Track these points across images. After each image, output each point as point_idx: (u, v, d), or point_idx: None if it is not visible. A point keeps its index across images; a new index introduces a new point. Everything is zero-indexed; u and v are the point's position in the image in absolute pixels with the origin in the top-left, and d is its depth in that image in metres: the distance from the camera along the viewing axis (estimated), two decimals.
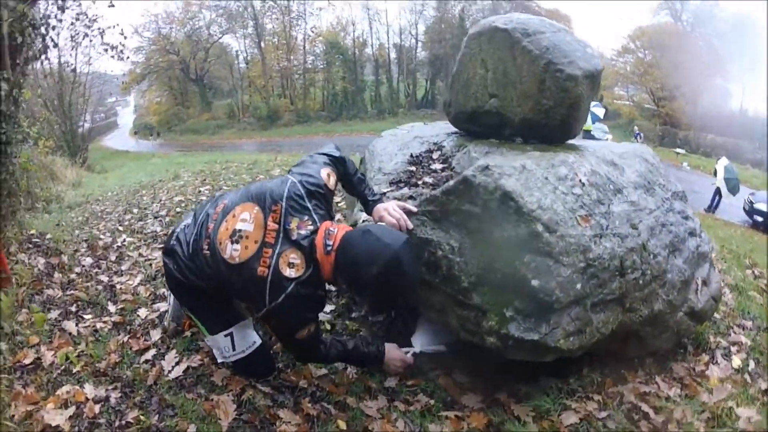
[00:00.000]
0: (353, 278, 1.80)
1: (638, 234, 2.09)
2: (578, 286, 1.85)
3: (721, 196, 13.67)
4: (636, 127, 24.37)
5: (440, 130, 3.08)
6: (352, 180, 2.21)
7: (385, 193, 2.42)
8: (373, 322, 2.66)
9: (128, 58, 14.38)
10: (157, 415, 2.04)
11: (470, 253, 1.96)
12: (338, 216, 4.06)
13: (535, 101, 2.43)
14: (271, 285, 1.78)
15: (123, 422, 2.02)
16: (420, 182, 2.47)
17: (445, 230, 2.07)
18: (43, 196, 6.88)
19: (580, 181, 2.03)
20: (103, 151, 26.98)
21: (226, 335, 2.07)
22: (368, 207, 2.16)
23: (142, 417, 2.02)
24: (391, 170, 2.69)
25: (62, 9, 5.21)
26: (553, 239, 1.84)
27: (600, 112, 12.08)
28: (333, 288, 2.51)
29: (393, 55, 32.08)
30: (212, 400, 2.06)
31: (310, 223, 1.87)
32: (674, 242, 2.28)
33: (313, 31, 33.38)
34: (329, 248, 1.79)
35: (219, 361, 2.20)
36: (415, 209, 2.09)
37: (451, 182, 2.08)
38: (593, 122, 10.88)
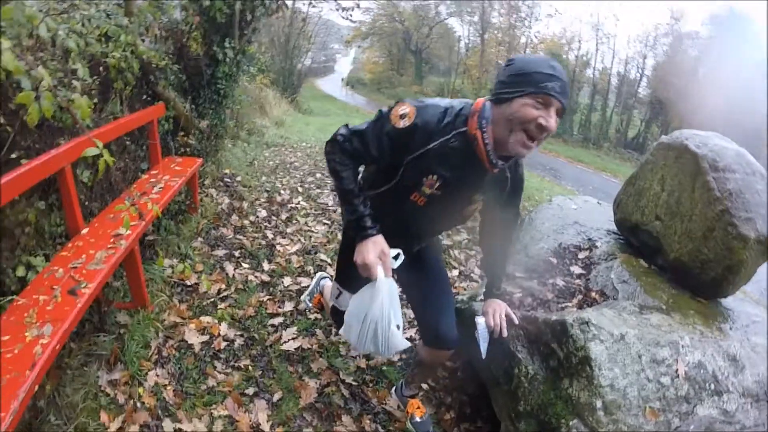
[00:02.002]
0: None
1: None
2: None
3: None
4: None
5: (604, 222, 3.05)
6: (497, 253, 2.22)
7: (516, 278, 2.61)
8: None
9: (355, 21, 15.81)
10: (261, 371, 2.60)
11: (538, 387, 2.06)
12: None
13: (696, 247, 2.26)
14: None
15: (236, 364, 2.62)
16: (550, 282, 2.56)
17: (530, 354, 2.17)
18: (248, 127, 8.03)
19: (677, 371, 1.92)
20: (314, 92, 29.46)
21: (338, 288, 2.28)
22: (487, 293, 2.22)
23: (250, 367, 2.61)
24: (534, 254, 2.82)
25: None
26: (605, 419, 1.82)
27: None
28: None
29: (614, 83, 30.27)
30: (304, 380, 2.57)
31: None
32: None
33: (536, 37, 32.92)
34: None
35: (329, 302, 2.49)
36: (516, 321, 2.18)
37: (554, 317, 2.13)
38: None
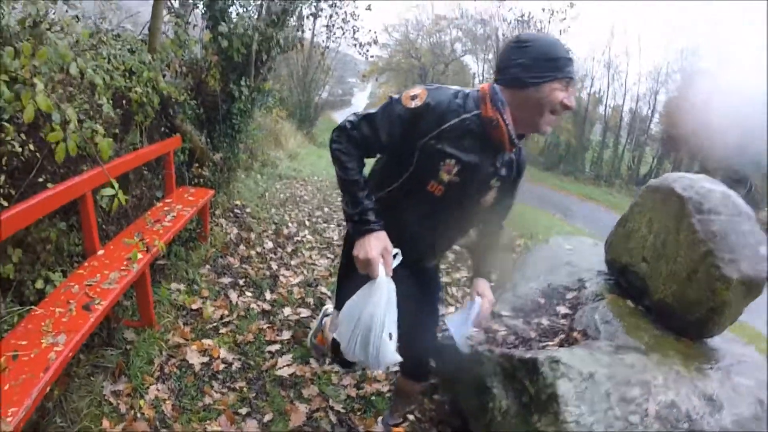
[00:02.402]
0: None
1: None
2: None
3: None
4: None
5: (597, 262, 3.09)
6: (490, 239, 2.20)
7: (501, 316, 2.71)
8: None
9: (372, 57, 16.27)
10: (255, 393, 2.76)
11: (510, 421, 2.13)
12: None
13: (679, 288, 2.29)
14: None
15: (232, 386, 2.78)
16: (534, 321, 2.64)
17: (506, 388, 2.25)
18: (262, 159, 8.29)
19: (646, 410, 1.92)
20: (330, 124, 29.73)
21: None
22: (479, 272, 2.19)
23: (245, 389, 2.77)
24: (522, 294, 2.92)
25: (315, 16, 6.50)
26: None
27: None
28: None
29: (626, 119, 30.26)
30: (294, 404, 2.71)
31: None
32: None
33: None
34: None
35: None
36: (497, 330, 2.32)
37: (528, 354, 2.20)
38: None
